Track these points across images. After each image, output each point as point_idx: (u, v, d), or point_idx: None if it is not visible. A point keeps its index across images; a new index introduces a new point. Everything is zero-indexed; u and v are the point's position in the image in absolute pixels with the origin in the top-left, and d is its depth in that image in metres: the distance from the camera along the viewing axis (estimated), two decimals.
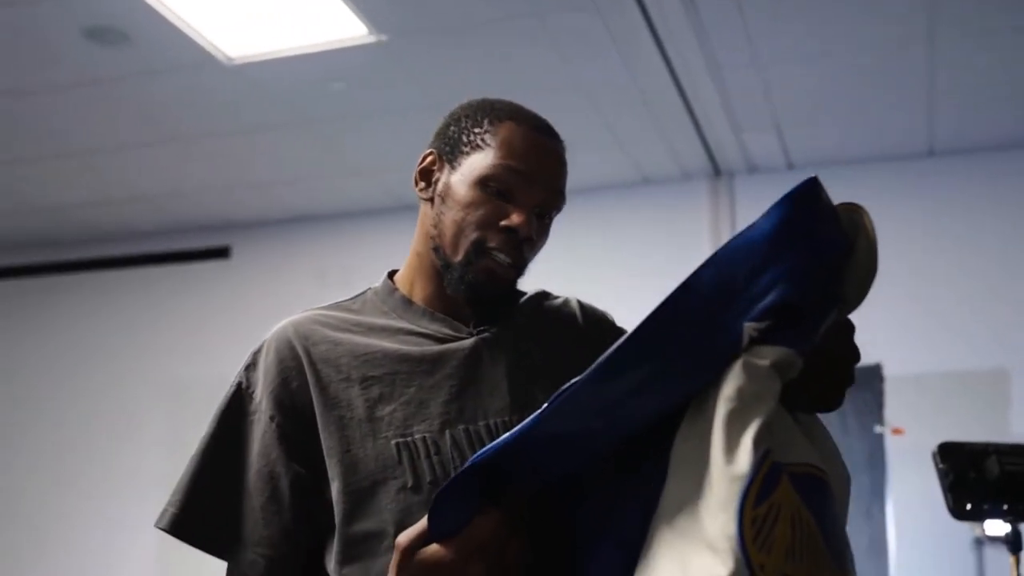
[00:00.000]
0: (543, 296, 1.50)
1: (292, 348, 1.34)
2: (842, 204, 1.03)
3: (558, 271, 4.38)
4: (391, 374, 1.33)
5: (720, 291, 0.96)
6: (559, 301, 1.51)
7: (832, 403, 1.08)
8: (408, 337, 1.37)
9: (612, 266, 4.50)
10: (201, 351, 4.86)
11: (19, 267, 5.50)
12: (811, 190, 0.98)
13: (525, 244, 1.32)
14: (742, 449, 0.90)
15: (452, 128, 1.39)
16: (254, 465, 1.31)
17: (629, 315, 3.96)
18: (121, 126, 4.16)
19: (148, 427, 4.89)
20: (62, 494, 5.02)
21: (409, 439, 1.28)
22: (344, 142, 4.28)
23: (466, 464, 1.01)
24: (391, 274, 1.46)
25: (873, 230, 1.02)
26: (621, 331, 1.45)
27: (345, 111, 4.02)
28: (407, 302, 1.41)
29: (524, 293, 1.47)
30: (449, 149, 1.39)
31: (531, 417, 0.99)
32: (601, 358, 0.97)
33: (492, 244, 1.32)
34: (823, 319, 0.99)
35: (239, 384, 1.35)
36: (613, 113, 3.99)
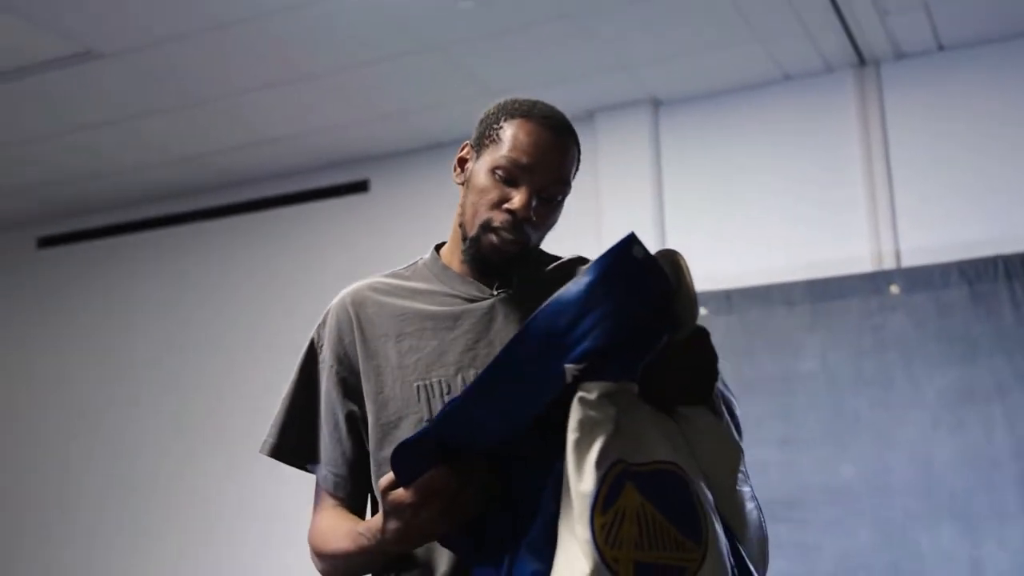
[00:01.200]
0: (576, 261, 1.75)
1: (346, 311, 1.69)
2: (660, 251, 1.28)
3: (706, 175, 4.34)
4: (420, 330, 1.63)
5: (547, 338, 1.22)
6: (586, 267, 1.68)
7: (703, 397, 1.35)
8: (442, 298, 1.67)
9: (758, 170, 4.36)
10: (346, 284, 4.85)
11: (162, 217, 5.60)
12: (624, 248, 1.22)
13: (525, 224, 1.58)
14: (586, 471, 1.17)
15: (482, 124, 1.68)
16: (323, 403, 1.68)
17: (781, 219, 3.85)
18: (252, 68, 4.18)
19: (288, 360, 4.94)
20: (219, 433, 5.16)
21: (428, 381, 1.58)
22: (475, 63, 4.22)
23: (417, 432, 1.30)
24: (439, 246, 1.77)
25: (687, 267, 1.27)
26: None
27: (475, 31, 3.96)
28: (445, 268, 1.71)
29: (558, 258, 1.76)
30: (477, 142, 1.67)
31: (439, 411, 1.29)
32: (472, 383, 1.27)
33: (496, 223, 1.59)
34: (651, 345, 1.26)
35: (312, 339, 1.72)
36: (751, 6, 3.83)
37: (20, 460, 5.71)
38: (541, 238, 1.68)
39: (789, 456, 3.83)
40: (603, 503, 1.16)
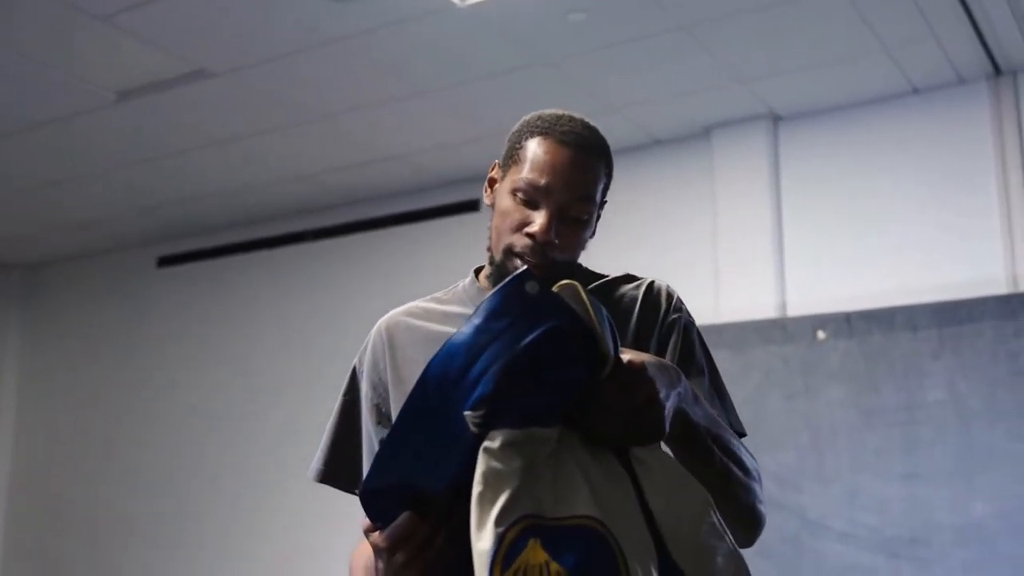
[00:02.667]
0: (622, 280, 1.65)
1: (381, 337, 1.68)
2: (560, 285, 1.19)
3: (828, 193, 4.16)
4: None
5: (440, 386, 1.16)
6: (630, 286, 1.64)
7: (646, 439, 1.22)
8: None
9: (884, 187, 4.15)
10: None
11: (276, 237, 5.66)
12: (514, 286, 1.16)
13: (547, 247, 1.49)
14: (486, 528, 1.10)
15: (508, 142, 1.60)
16: (363, 428, 1.66)
17: (907, 238, 3.61)
18: (363, 84, 4.18)
19: None
20: None
21: None
22: (588, 78, 4.13)
23: (367, 476, 1.25)
24: (479, 270, 1.71)
25: (587, 299, 1.17)
26: (674, 325, 1.58)
27: (586, 45, 3.87)
28: (481, 292, 1.64)
29: (602, 277, 1.65)
30: (503, 163, 1.61)
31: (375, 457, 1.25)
32: (384, 440, 1.26)
33: (517, 248, 1.52)
34: (567, 388, 1.17)
35: (355, 366, 1.72)
36: (878, 16, 3.65)
37: (138, 470, 5.83)
38: (574, 258, 1.60)
39: (913, 491, 3.62)
40: (502, 561, 1.10)
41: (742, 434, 1.58)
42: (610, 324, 1.20)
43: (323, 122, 4.50)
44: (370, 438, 1.64)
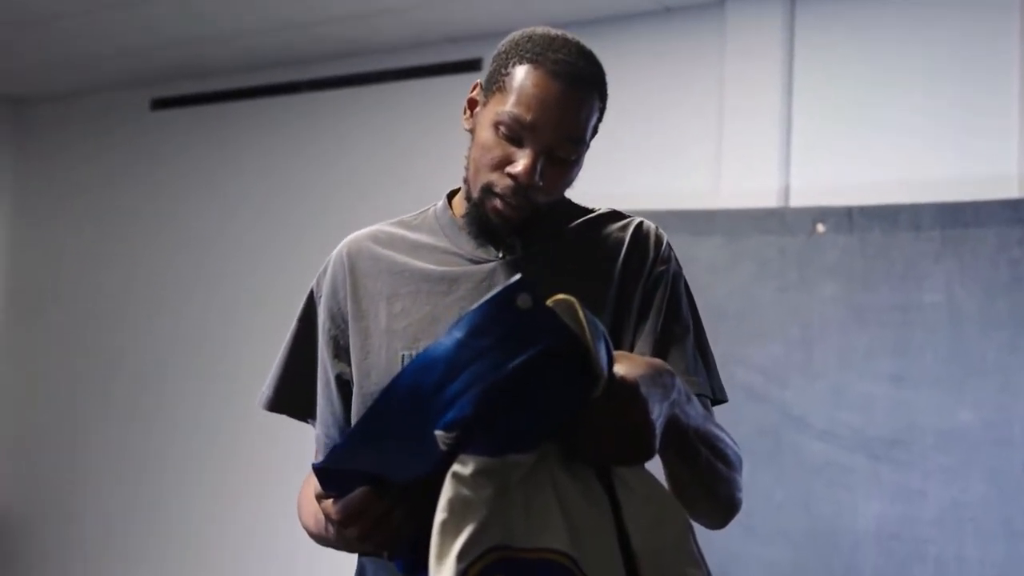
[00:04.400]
0: (606, 218, 1.58)
1: (343, 263, 1.58)
2: (555, 300, 1.09)
3: (842, 75, 3.96)
4: (414, 292, 1.51)
5: (412, 397, 1.07)
6: (616, 226, 1.57)
7: (634, 461, 1.14)
8: (443, 255, 1.54)
9: (901, 74, 3.97)
10: (450, 165, 4.72)
11: (266, 87, 5.54)
12: (503, 299, 1.06)
13: (530, 190, 1.42)
14: (447, 562, 1.03)
15: (494, 63, 1.49)
16: (318, 359, 1.59)
17: (919, 131, 3.40)
18: None
19: None
20: None
21: (414, 351, 1.45)
22: None
23: (325, 457, 1.18)
24: (453, 193, 1.62)
25: (583, 317, 1.08)
26: (662, 278, 1.52)
27: None
28: (453, 221, 1.57)
29: (591, 211, 1.58)
30: (485, 86, 1.50)
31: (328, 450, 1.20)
32: (349, 431, 1.18)
33: (498, 188, 1.44)
34: (554, 412, 1.08)
35: (311, 290, 1.63)
36: None
37: (125, 311, 5.88)
38: (556, 198, 1.52)
39: (900, 394, 3.56)
40: None
41: (723, 400, 1.56)
42: (605, 340, 1.12)
43: None
44: (326, 371, 1.58)
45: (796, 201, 3.99)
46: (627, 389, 1.12)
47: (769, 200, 4.01)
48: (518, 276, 1.07)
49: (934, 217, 3.59)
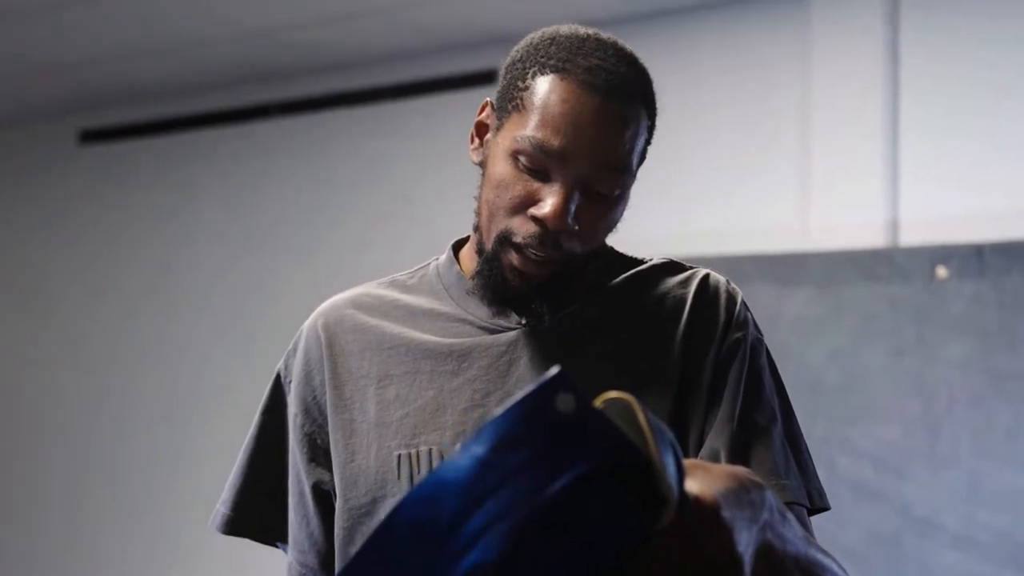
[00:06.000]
0: (662, 270, 1.53)
1: (318, 339, 1.52)
2: (607, 399, 1.03)
3: (961, 80, 3.91)
4: (411, 373, 1.46)
5: (418, 536, 0.99)
6: (675, 281, 1.52)
7: None
8: (450, 324, 1.49)
9: None
10: (452, 205, 4.71)
11: (229, 111, 5.54)
12: (541, 398, 0.98)
13: (561, 236, 1.36)
14: None
15: (506, 75, 1.44)
16: (290, 463, 1.55)
17: None
18: None
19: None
20: None
21: (413, 451, 1.42)
22: None
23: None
24: (459, 244, 1.57)
25: (645, 420, 1.01)
26: (738, 348, 1.48)
27: None
28: (461, 279, 1.52)
29: (641, 262, 1.54)
30: (498, 104, 1.44)
31: None
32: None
33: (519, 237, 1.38)
34: (606, 547, 1.01)
35: (279, 373, 1.58)
36: None
37: (49, 361, 5.98)
38: (595, 246, 1.46)
39: None
40: None
41: (824, 508, 1.50)
42: (674, 450, 1.02)
43: None
44: (300, 479, 1.53)
45: (908, 239, 3.91)
46: (704, 514, 1.03)
47: (874, 239, 3.92)
48: (556, 369, 0.98)
49: None
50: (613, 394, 1.04)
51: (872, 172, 4.03)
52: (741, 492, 1.10)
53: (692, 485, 1.04)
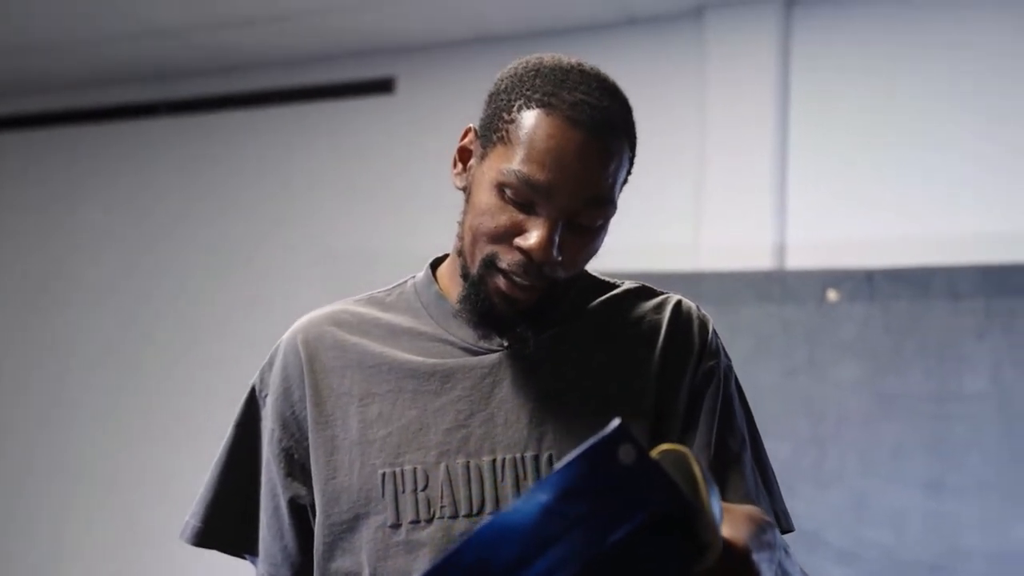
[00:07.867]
0: (636, 294, 1.55)
1: (297, 354, 1.52)
2: (662, 451, 1.09)
3: (851, 103, 3.90)
4: (394, 391, 1.47)
5: None
6: (650, 305, 1.54)
7: None
8: (431, 344, 1.49)
9: (931, 98, 3.94)
10: (357, 204, 4.63)
11: (134, 105, 5.42)
12: (604, 450, 1.02)
13: (546, 267, 1.38)
14: None
15: (491, 104, 1.44)
16: (263, 478, 1.55)
17: (957, 172, 3.33)
18: None
19: (303, 292, 4.75)
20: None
21: (397, 469, 1.43)
22: None
23: None
24: (437, 262, 1.58)
25: (699, 472, 1.07)
26: (712, 375, 1.51)
27: None
28: (441, 299, 1.53)
29: (615, 286, 1.57)
30: (482, 133, 1.45)
31: None
32: None
33: (503, 264, 1.39)
34: None
35: (254, 387, 1.57)
36: None
37: None
38: (577, 273, 1.48)
39: (939, 506, 3.54)
40: None
41: (790, 529, 1.55)
42: (718, 499, 1.10)
43: None
44: (275, 494, 1.53)
45: (798, 262, 3.95)
46: (739, 559, 1.11)
47: (765, 261, 3.95)
48: (617, 422, 1.02)
49: (976, 283, 3.59)
50: (667, 447, 1.10)
51: (762, 196, 4.06)
52: (760, 533, 1.17)
53: (725, 530, 1.09)
